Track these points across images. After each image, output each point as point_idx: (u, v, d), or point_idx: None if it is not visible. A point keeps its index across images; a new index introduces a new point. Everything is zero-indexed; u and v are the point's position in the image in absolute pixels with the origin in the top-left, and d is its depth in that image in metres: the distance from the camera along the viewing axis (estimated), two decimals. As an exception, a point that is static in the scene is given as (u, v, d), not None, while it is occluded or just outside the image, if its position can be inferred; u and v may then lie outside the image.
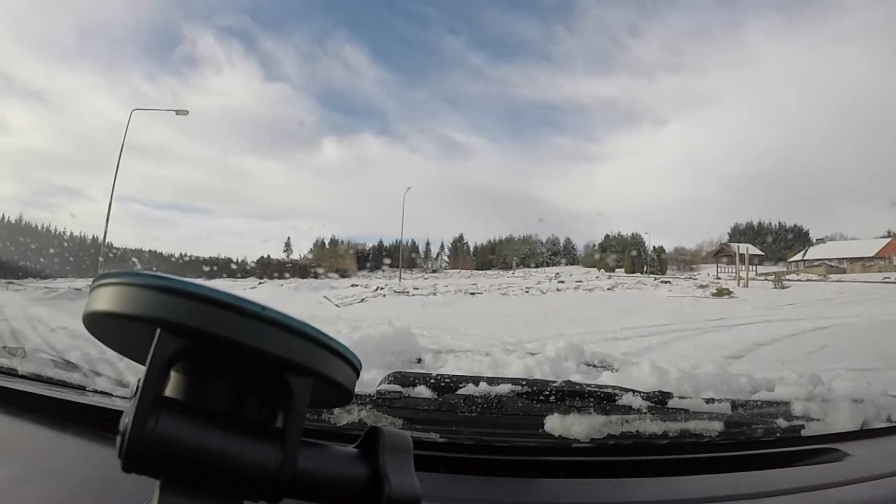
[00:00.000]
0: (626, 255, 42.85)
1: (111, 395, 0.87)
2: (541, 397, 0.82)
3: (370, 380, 0.93)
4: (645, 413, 0.78)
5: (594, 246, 50.21)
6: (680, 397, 0.86)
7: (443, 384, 0.86)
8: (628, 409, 0.79)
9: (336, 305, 13.05)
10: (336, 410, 0.73)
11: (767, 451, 0.79)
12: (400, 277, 28.34)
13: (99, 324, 0.33)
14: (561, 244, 53.10)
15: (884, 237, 33.58)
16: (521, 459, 0.72)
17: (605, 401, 0.81)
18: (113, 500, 0.57)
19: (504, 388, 0.83)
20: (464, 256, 51.99)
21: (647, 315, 9.75)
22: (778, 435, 0.81)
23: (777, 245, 42.81)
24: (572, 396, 0.82)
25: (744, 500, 0.64)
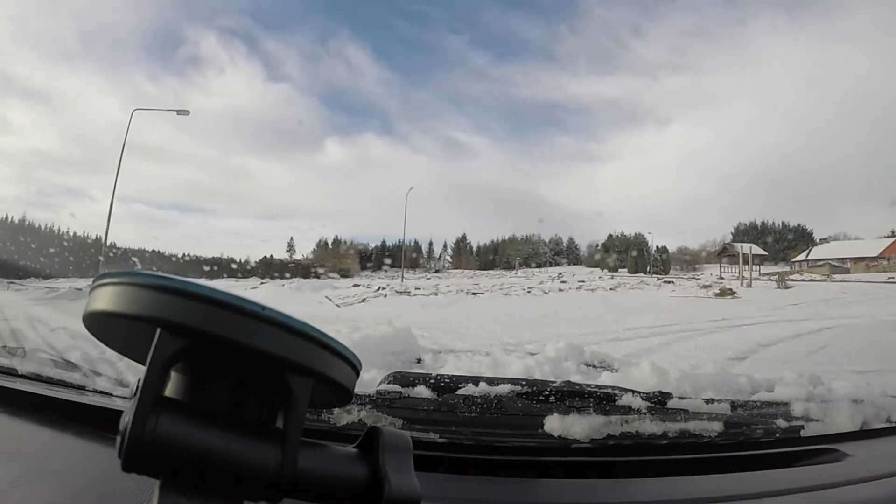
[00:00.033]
0: (629, 255, 42.78)
1: (111, 394, 0.87)
2: (540, 397, 0.82)
3: (370, 380, 0.94)
4: (645, 413, 0.78)
5: (597, 246, 50.14)
6: (680, 398, 0.86)
7: (443, 384, 0.86)
8: (628, 410, 0.79)
9: (337, 305, 13.05)
10: (336, 410, 0.73)
11: (767, 452, 0.79)
12: (402, 277, 28.36)
13: (99, 324, 0.33)
14: (564, 244, 53.02)
15: (887, 237, 33.41)
16: (520, 459, 0.72)
17: (604, 401, 0.81)
18: (113, 500, 0.57)
19: (504, 389, 0.83)
20: (467, 256, 51.92)
21: (649, 315, 9.70)
22: (778, 435, 0.81)
23: (780, 245, 42.75)
24: (572, 397, 0.82)
25: (744, 501, 0.64)
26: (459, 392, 0.83)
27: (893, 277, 21.65)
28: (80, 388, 0.91)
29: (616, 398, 0.82)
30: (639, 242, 45.38)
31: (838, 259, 33.44)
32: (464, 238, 53.86)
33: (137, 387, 0.29)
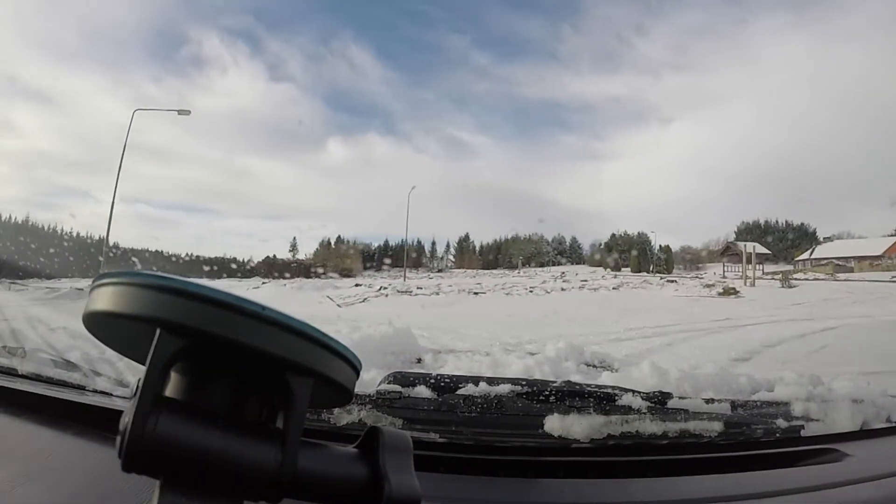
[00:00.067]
0: (632, 254, 42.73)
1: (111, 394, 0.88)
2: (541, 397, 0.82)
3: (370, 380, 0.94)
4: (645, 413, 0.78)
5: (600, 245, 50.12)
6: (680, 397, 0.86)
7: (443, 384, 0.86)
8: (628, 410, 0.79)
9: (338, 305, 13.05)
10: (336, 410, 0.73)
11: (767, 452, 0.79)
12: (405, 277, 28.40)
13: (99, 324, 0.33)
14: (567, 243, 52.99)
15: (891, 235, 33.16)
16: (520, 459, 0.72)
17: (604, 401, 0.81)
18: (113, 500, 0.57)
19: (504, 389, 0.83)
20: (469, 256, 51.90)
21: (651, 315, 9.63)
22: (778, 435, 0.81)
23: (784, 244, 42.68)
24: (572, 396, 0.82)
25: (744, 501, 0.64)
26: (459, 392, 0.83)
27: (898, 276, 21.55)
28: (80, 388, 0.91)
29: (616, 398, 0.82)
30: (642, 241, 45.34)
31: (842, 258, 33.30)
32: (467, 237, 53.90)
33: (137, 387, 0.29)
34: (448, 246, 54.06)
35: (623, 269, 39.20)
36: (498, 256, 51.53)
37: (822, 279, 23.38)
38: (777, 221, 46.38)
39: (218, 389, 0.32)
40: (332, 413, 0.73)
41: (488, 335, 6.36)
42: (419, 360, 1.86)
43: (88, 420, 0.75)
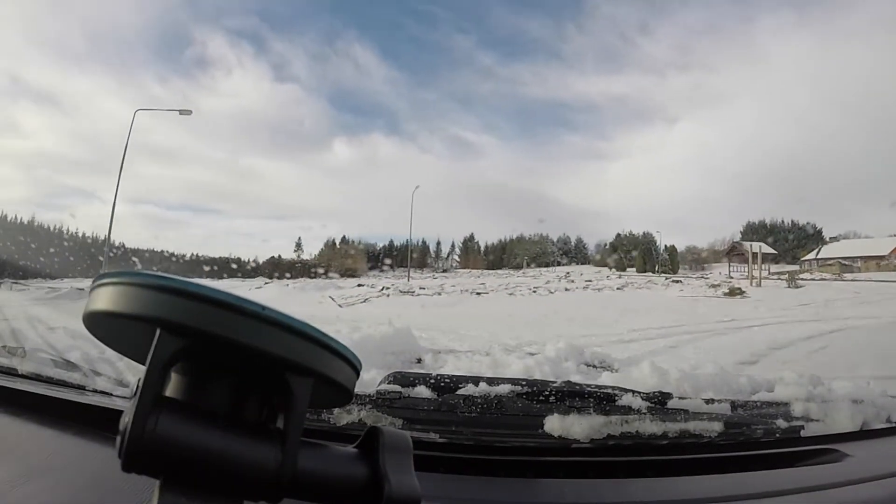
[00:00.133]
0: (637, 254, 42.69)
1: (111, 394, 0.88)
2: (541, 398, 0.82)
3: (370, 380, 0.94)
4: (645, 413, 0.78)
5: (605, 245, 50.21)
6: (680, 398, 0.86)
7: (443, 384, 0.86)
8: (628, 410, 0.79)
9: (339, 305, 13.05)
10: (336, 410, 0.73)
11: (767, 452, 0.79)
12: (409, 277, 28.41)
13: (99, 323, 0.33)
14: (572, 243, 53.00)
15: (897, 235, 33.26)
16: (520, 460, 0.72)
17: (604, 401, 0.81)
18: (113, 500, 0.57)
19: (504, 389, 0.83)
20: (474, 256, 51.92)
21: (655, 316, 9.54)
22: (778, 435, 0.81)
23: (789, 244, 42.64)
24: (572, 397, 0.82)
25: (744, 501, 0.64)
26: (459, 392, 0.83)
27: (906, 276, 21.45)
28: (81, 387, 0.91)
29: (616, 398, 0.82)
30: (647, 241, 45.32)
31: (848, 258, 33.24)
32: (471, 238, 53.98)
33: (137, 387, 0.29)
34: (453, 246, 54.15)
35: (628, 269, 39.18)
36: (503, 257, 51.54)
37: (829, 279, 23.28)
38: (783, 221, 46.40)
39: (218, 389, 0.32)
40: (332, 413, 0.73)
41: (488, 336, 6.32)
42: (419, 361, 1.86)
43: (88, 420, 0.75)
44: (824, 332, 7.12)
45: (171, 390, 0.32)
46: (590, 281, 23.25)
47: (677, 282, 21.92)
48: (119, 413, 0.29)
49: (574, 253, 52.00)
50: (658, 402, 0.82)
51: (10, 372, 0.97)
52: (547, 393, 0.82)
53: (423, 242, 52.75)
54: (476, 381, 0.85)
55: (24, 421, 0.79)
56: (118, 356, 0.56)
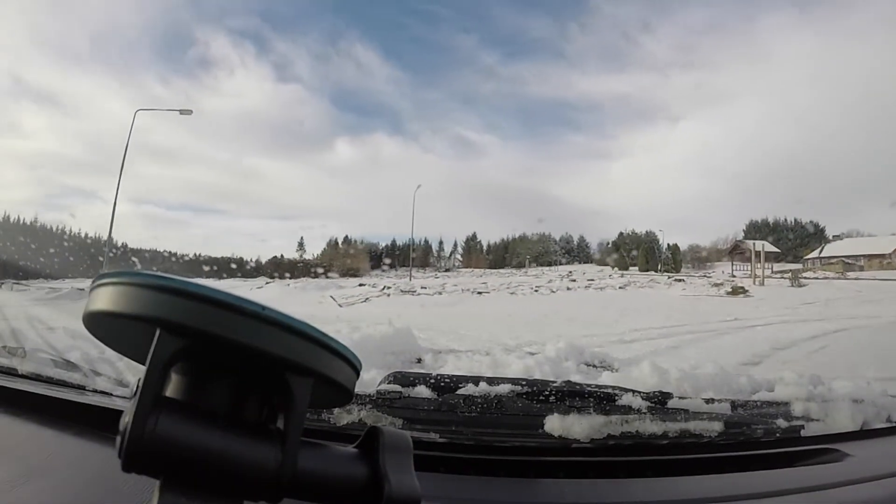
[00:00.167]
0: (639, 252, 42.64)
1: (111, 394, 0.88)
2: (541, 397, 0.82)
3: (370, 380, 0.94)
4: (645, 413, 0.78)
5: (608, 244, 50.16)
6: (680, 397, 0.86)
7: (443, 384, 0.86)
8: (628, 410, 0.79)
9: (339, 305, 13.05)
10: (336, 410, 0.73)
11: (767, 452, 0.79)
12: (410, 276, 28.42)
13: (99, 324, 0.33)
14: (574, 242, 53.00)
15: (901, 234, 33.10)
16: (521, 459, 0.72)
17: (605, 401, 0.81)
18: (113, 500, 0.57)
19: (504, 388, 0.83)
20: (477, 255, 51.91)
21: (657, 315, 9.46)
22: (778, 435, 0.81)
23: (793, 242, 42.59)
24: (572, 396, 0.82)
25: (744, 501, 0.64)
26: (459, 392, 0.83)
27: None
28: (81, 387, 0.91)
29: (616, 398, 0.82)
30: (650, 240, 45.22)
31: (851, 256, 33.15)
32: (474, 237, 54.00)
33: (137, 387, 0.29)
34: (455, 245, 54.17)
35: (631, 267, 39.12)
36: (505, 256, 51.54)
37: (832, 278, 23.19)
38: (785, 220, 46.34)
39: (218, 389, 0.32)
40: (332, 413, 0.73)
41: (488, 336, 6.28)
42: (419, 360, 1.86)
43: (88, 420, 0.75)
44: (828, 332, 7.01)
45: (171, 390, 0.32)
46: (592, 280, 23.24)
47: (680, 281, 21.88)
48: (119, 413, 0.29)
49: (577, 252, 52.00)
50: (658, 402, 0.82)
51: (11, 372, 0.97)
52: (547, 393, 0.82)
53: (426, 242, 52.88)
54: (476, 380, 0.85)
55: (24, 421, 0.79)
56: (118, 356, 0.56)
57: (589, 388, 0.85)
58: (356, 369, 0.34)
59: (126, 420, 0.28)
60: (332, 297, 14.28)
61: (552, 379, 0.93)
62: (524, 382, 0.86)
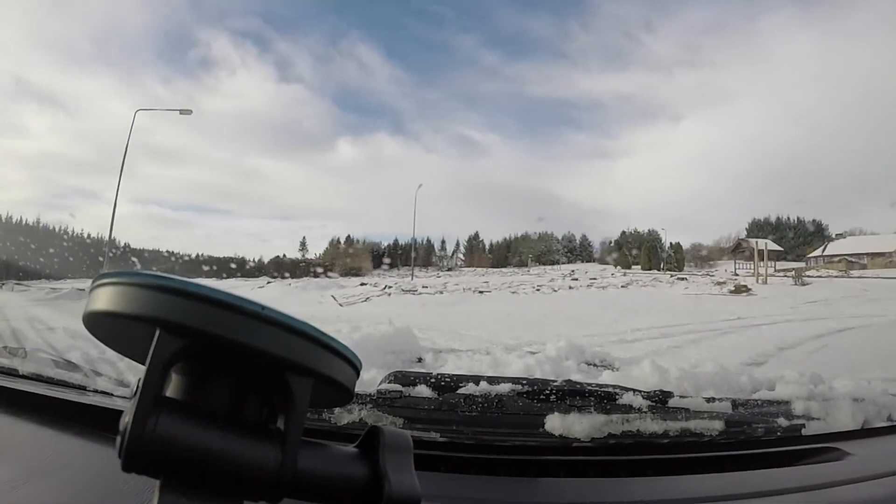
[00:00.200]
0: (642, 251, 42.60)
1: (111, 394, 0.88)
2: (541, 396, 0.82)
3: (370, 379, 0.93)
4: (645, 412, 0.78)
5: (610, 243, 50.24)
6: (680, 396, 0.86)
7: (443, 383, 0.86)
8: (629, 409, 0.78)
9: (339, 305, 13.05)
10: (336, 410, 0.73)
11: (768, 451, 0.79)
12: (412, 276, 28.41)
13: (99, 324, 0.33)
14: (577, 241, 52.98)
15: (903, 232, 33.03)
16: (521, 459, 0.72)
17: (605, 400, 0.81)
18: (113, 500, 0.57)
19: (504, 388, 0.83)
20: (479, 254, 51.94)
21: (659, 315, 9.36)
22: (779, 434, 0.81)
23: (795, 241, 42.53)
24: (573, 396, 0.82)
25: (744, 500, 0.64)
26: (460, 391, 0.83)
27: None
28: (81, 388, 0.91)
29: (617, 397, 0.82)
30: (652, 239, 45.27)
31: (854, 255, 33.07)
32: (476, 236, 54.05)
33: (137, 387, 0.29)
34: (458, 245, 54.19)
35: (633, 266, 39.09)
36: (508, 255, 51.53)
37: (836, 276, 23.09)
38: (788, 218, 46.26)
39: (218, 389, 0.32)
40: (332, 413, 0.73)
41: (487, 336, 6.24)
42: (420, 360, 1.86)
43: (89, 420, 0.75)
44: (833, 331, 6.90)
45: (171, 390, 0.32)
46: (594, 279, 23.20)
47: (682, 279, 21.83)
48: (119, 413, 0.29)
49: (579, 251, 52.00)
50: (659, 401, 0.82)
51: (11, 372, 0.97)
52: (548, 392, 0.82)
53: (429, 241, 52.96)
54: (477, 380, 0.85)
55: (24, 421, 0.79)
56: (118, 356, 0.56)
57: (589, 388, 0.84)
58: (356, 369, 0.34)
59: (126, 420, 0.28)
60: (332, 296, 14.27)
61: (553, 378, 0.93)
62: (525, 381, 0.86)
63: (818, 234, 42.91)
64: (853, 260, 32.00)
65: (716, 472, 0.71)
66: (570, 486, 0.67)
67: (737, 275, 25.45)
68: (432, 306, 12.71)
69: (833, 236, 40.38)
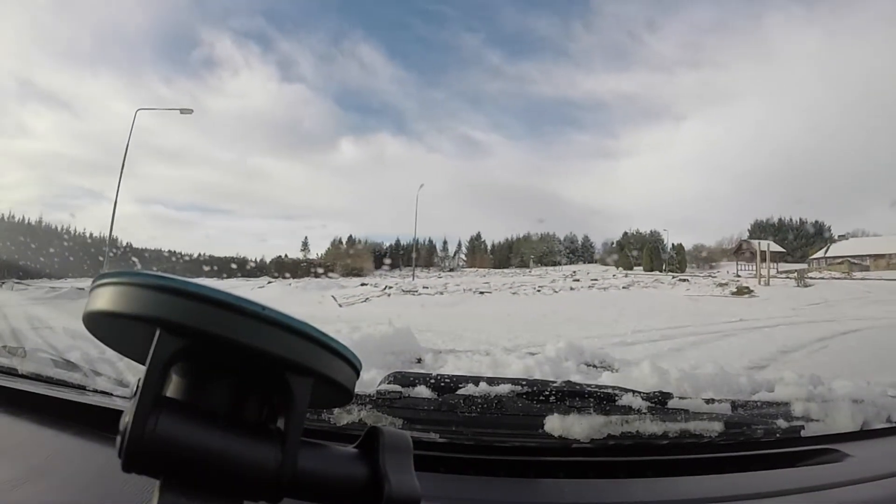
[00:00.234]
0: (644, 252, 42.56)
1: (111, 394, 0.88)
2: (541, 397, 0.82)
3: (370, 380, 0.94)
4: (645, 413, 0.78)
5: (612, 244, 50.14)
6: (680, 397, 0.86)
7: (443, 384, 0.86)
8: (628, 410, 0.79)
9: (339, 305, 13.04)
10: (336, 410, 0.73)
11: (767, 452, 0.79)
12: (413, 276, 28.39)
13: (99, 324, 0.33)
14: (579, 242, 52.90)
15: (907, 232, 32.89)
16: (521, 459, 0.72)
17: (605, 401, 0.81)
18: (113, 500, 0.57)
19: (504, 389, 0.83)
20: (481, 255, 51.88)
21: (661, 316, 9.27)
22: (778, 435, 0.81)
23: (798, 242, 42.47)
24: (572, 396, 0.82)
25: (744, 501, 0.64)
26: (460, 392, 0.83)
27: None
28: (81, 387, 0.91)
29: (616, 398, 0.82)
30: (654, 240, 45.18)
31: (857, 256, 32.97)
32: (478, 237, 53.98)
33: (137, 387, 0.29)
34: (460, 245, 54.16)
35: (635, 267, 39.04)
36: (510, 256, 51.49)
37: (839, 278, 22.98)
38: (791, 219, 46.14)
39: (218, 389, 0.32)
40: (332, 413, 0.73)
41: (486, 337, 6.19)
42: (419, 360, 1.86)
43: (89, 420, 0.75)
44: (837, 334, 6.83)
45: (171, 390, 0.32)
46: (596, 280, 23.15)
47: (684, 280, 21.75)
48: (119, 413, 0.29)
49: (581, 252, 51.93)
50: (658, 402, 0.82)
51: (11, 372, 0.97)
52: (547, 393, 0.82)
53: (430, 242, 52.94)
54: (476, 380, 0.85)
55: (24, 421, 0.79)
56: (118, 356, 0.56)
57: (589, 389, 0.84)
58: (356, 369, 0.34)
59: (126, 420, 0.28)
60: (332, 296, 14.26)
61: (552, 379, 0.93)
62: (524, 382, 0.86)
63: (821, 235, 42.84)
64: (856, 261, 31.91)
65: (715, 473, 0.71)
66: (569, 487, 0.67)
67: (739, 276, 25.32)
68: (432, 307, 12.68)
69: (836, 237, 40.28)
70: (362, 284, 19.86)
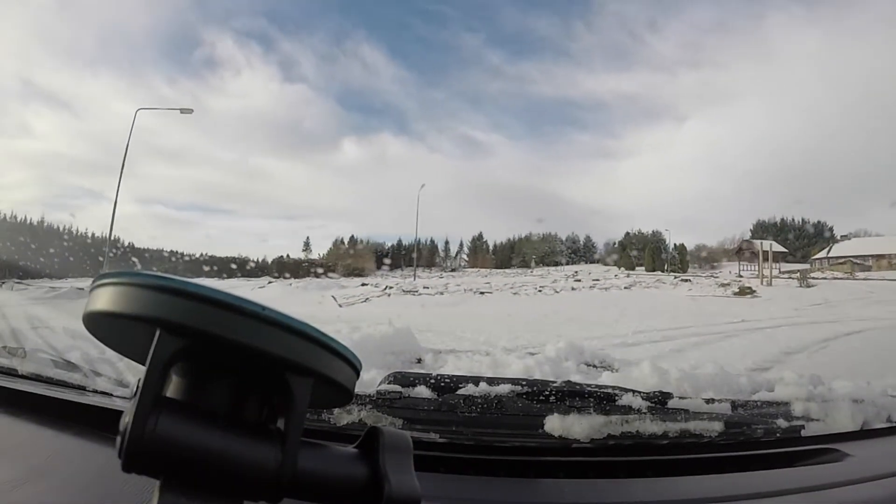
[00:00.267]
0: (646, 252, 42.48)
1: (111, 395, 0.88)
2: (541, 397, 0.82)
3: (370, 380, 0.94)
4: (645, 413, 0.78)
5: (614, 244, 49.88)
6: (680, 397, 0.86)
7: (443, 384, 0.86)
8: (628, 410, 0.79)
9: (339, 305, 13.03)
10: (336, 410, 0.73)
11: (767, 452, 0.79)
12: (415, 276, 28.37)
13: (99, 324, 0.33)
14: (581, 242, 52.78)
15: (910, 233, 32.80)
16: (521, 459, 0.72)
17: (605, 401, 0.81)
18: (113, 500, 0.57)
19: (504, 389, 0.83)
20: (483, 255, 51.77)
21: (662, 317, 9.17)
22: (778, 435, 0.81)
23: (800, 242, 42.39)
24: (572, 396, 0.82)
25: (744, 501, 0.64)
26: (460, 392, 0.83)
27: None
28: (81, 388, 0.91)
29: (616, 398, 0.82)
30: (656, 240, 44.94)
31: (860, 256, 32.87)
32: (480, 237, 53.84)
33: (137, 387, 0.29)
34: (461, 245, 54.10)
35: (637, 267, 38.97)
36: (511, 256, 51.45)
37: (841, 278, 22.87)
38: (793, 219, 45.93)
39: (218, 389, 0.32)
40: (332, 413, 0.73)
41: (485, 338, 6.15)
42: (419, 360, 1.86)
43: (89, 420, 0.75)
44: (840, 334, 6.73)
45: (171, 390, 0.32)
46: (597, 280, 23.10)
47: (686, 280, 21.68)
48: (119, 413, 0.29)
49: (583, 252, 51.79)
50: (658, 402, 0.82)
51: (11, 372, 0.97)
52: (547, 393, 0.82)
53: (432, 242, 52.86)
54: (476, 381, 0.85)
55: (24, 421, 0.79)
56: (118, 356, 0.56)
57: (589, 388, 0.85)
58: (356, 369, 0.34)
59: (126, 420, 0.28)
60: (332, 297, 14.25)
61: (552, 379, 0.93)
62: (524, 382, 0.86)
63: (823, 235, 42.75)
64: (858, 261, 31.80)
65: (715, 473, 0.71)
66: (569, 487, 0.67)
67: (741, 276, 25.20)
68: (432, 307, 12.65)
69: (838, 237, 40.20)
70: (363, 284, 19.84)
